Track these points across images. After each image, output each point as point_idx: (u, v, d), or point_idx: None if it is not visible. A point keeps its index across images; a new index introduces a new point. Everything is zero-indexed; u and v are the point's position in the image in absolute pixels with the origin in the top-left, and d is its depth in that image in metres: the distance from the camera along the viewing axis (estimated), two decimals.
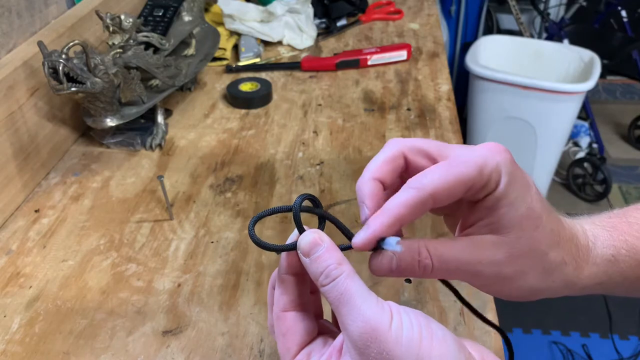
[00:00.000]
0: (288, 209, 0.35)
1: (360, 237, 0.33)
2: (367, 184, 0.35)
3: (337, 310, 0.31)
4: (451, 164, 0.33)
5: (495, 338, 0.52)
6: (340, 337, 0.33)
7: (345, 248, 0.36)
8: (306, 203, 0.36)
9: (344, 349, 0.32)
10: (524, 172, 0.35)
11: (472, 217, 0.35)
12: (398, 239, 0.33)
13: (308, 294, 0.36)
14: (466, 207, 0.37)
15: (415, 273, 0.34)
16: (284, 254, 0.35)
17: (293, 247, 0.34)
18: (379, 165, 0.35)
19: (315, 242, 0.33)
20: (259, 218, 0.35)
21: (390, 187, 0.36)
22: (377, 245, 0.34)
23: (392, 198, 0.33)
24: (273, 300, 0.36)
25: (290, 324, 0.35)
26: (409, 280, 0.58)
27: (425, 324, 0.30)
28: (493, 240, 0.34)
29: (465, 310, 0.55)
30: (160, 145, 0.80)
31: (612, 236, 0.38)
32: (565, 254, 0.36)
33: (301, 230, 0.34)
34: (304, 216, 0.34)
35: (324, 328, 0.37)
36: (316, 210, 0.36)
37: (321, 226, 0.37)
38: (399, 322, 0.30)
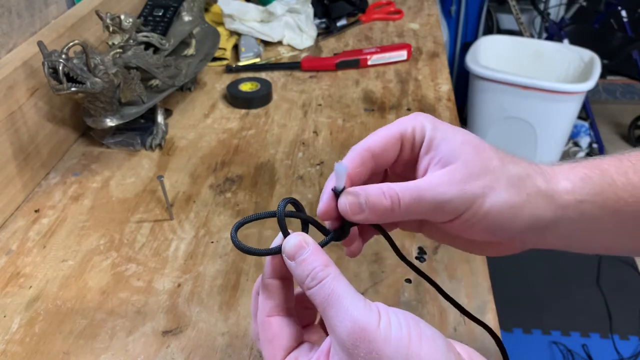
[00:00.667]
0: (272, 214, 0.35)
1: (320, 204, 0.36)
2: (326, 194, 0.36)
3: (325, 313, 0.31)
4: (381, 127, 0.38)
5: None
6: (327, 341, 0.32)
7: (327, 242, 0.36)
8: (289, 207, 0.36)
9: (331, 352, 0.31)
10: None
11: (421, 169, 0.38)
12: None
13: (293, 299, 0.36)
14: (412, 171, 0.39)
15: (387, 209, 0.35)
16: (268, 258, 0.35)
17: (278, 250, 0.34)
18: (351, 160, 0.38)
19: (300, 245, 0.33)
20: (241, 224, 0.35)
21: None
22: (337, 195, 0.35)
23: None
24: (257, 308, 0.36)
25: (276, 330, 0.34)
26: (409, 280, 0.58)
27: (414, 324, 0.30)
28: (446, 170, 0.36)
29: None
30: (160, 145, 0.80)
31: (579, 163, 0.38)
32: (527, 169, 0.37)
33: (286, 234, 0.34)
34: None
35: (314, 333, 0.37)
36: (300, 214, 0.37)
37: (305, 230, 0.37)
38: (387, 322, 0.30)
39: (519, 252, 0.40)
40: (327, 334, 0.35)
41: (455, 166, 0.35)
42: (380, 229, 0.39)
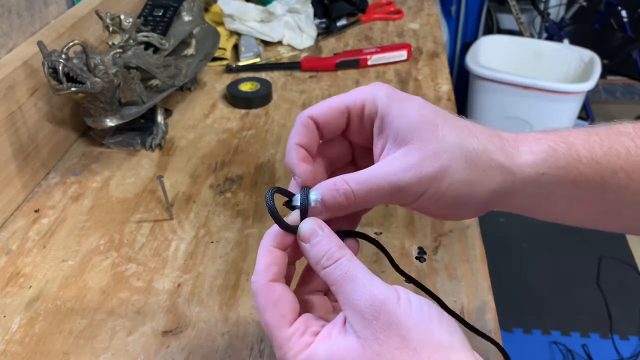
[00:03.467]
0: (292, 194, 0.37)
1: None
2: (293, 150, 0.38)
3: (341, 289, 0.32)
4: (331, 98, 0.38)
5: (495, 338, 0.52)
6: (341, 315, 0.33)
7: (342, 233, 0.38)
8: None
9: (347, 323, 0.32)
10: (406, 93, 0.37)
11: (377, 148, 0.37)
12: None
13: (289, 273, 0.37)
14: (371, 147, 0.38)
15: (342, 205, 0.35)
16: (276, 228, 0.36)
17: (294, 230, 0.36)
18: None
19: (314, 229, 0.35)
20: (276, 191, 0.37)
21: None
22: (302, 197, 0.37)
23: None
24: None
25: (281, 293, 0.34)
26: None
27: (434, 307, 0.31)
28: (401, 152, 0.35)
29: (466, 310, 0.55)
30: (160, 145, 0.80)
31: (547, 135, 0.38)
32: (486, 142, 0.36)
33: (303, 215, 0.36)
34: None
35: (322, 304, 0.38)
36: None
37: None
38: (408, 301, 0.31)
39: (480, 215, 0.40)
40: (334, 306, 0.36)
41: (410, 147, 0.35)
42: (375, 242, 0.40)
